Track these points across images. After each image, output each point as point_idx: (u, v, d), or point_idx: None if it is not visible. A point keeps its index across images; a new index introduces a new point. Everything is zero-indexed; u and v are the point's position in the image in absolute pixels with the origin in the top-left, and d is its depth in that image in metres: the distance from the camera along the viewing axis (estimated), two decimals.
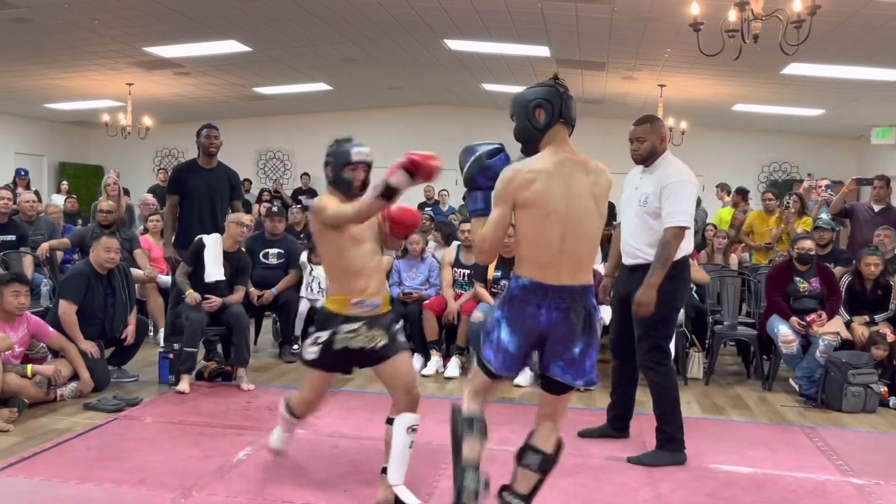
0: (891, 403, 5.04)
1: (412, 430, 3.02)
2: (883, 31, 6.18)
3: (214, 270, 5.10)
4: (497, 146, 2.64)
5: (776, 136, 12.62)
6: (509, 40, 8.10)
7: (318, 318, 3.18)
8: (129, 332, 5.07)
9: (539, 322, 2.54)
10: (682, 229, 3.65)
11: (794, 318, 5.31)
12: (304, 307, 6.00)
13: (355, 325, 3.02)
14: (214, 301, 5.02)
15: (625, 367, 4.13)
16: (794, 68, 7.54)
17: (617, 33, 7.28)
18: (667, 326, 3.84)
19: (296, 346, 6.01)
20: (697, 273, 5.90)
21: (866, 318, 5.49)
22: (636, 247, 3.84)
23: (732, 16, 4.55)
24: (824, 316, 5.31)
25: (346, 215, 2.95)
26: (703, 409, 4.97)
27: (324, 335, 3.04)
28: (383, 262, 3.53)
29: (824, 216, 6.72)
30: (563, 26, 7.30)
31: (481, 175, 2.59)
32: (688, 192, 3.70)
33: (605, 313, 5.70)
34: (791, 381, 5.43)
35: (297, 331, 6.03)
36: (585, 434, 4.19)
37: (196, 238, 5.15)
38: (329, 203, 3.03)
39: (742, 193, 9.22)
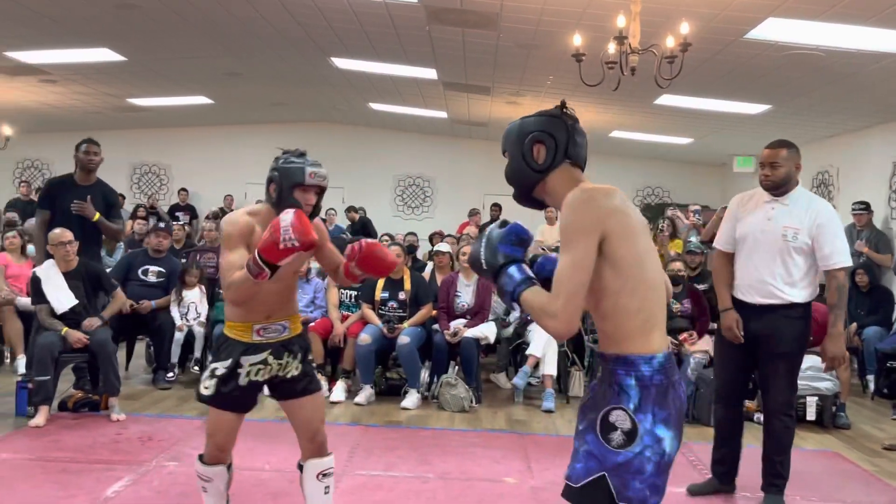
0: (755, 418, 5.34)
1: (324, 475, 2.73)
2: (743, 70, 6.66)
3: (61, 299, 4.76)
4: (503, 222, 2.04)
5: (649, 161, 13.31)
6: (397, 61, 8.13)
7: (215, 346, 2.79)
8: None
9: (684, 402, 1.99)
10: (847, 269, 3.49)
11: (667, 337, 5.54)
12: (180, 334, 5.71)
13: (261, 356, 2.63)
14: (80, 337, 4.68)
15: (733, 416, 3.76)
16: (666, 99, 7.98)
17: (502, 59, 7.46)
18: (798, 372, 3.61)
19: (171, 374, 5.71)
20: None
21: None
22: (774, 285, 3.48)
23: (612, 48, 4.76)
24: (695, 335, 5.59)
25: (228, 285, 2.53)
26: None
27: (221, 367, 2.61)
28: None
29: (694, 240, 7.03)
30: (450, 50, 7.40)
31: (505, 245, 1.92)
32: (842, 229, 3.52)
33: (489, 331, 5.77)
34: None
35: (174, 357, 5.73)
36: (696, 492, 3.78)
37: (31, 275, 4.82)
38: (233, 255, 2.52)
39: None
